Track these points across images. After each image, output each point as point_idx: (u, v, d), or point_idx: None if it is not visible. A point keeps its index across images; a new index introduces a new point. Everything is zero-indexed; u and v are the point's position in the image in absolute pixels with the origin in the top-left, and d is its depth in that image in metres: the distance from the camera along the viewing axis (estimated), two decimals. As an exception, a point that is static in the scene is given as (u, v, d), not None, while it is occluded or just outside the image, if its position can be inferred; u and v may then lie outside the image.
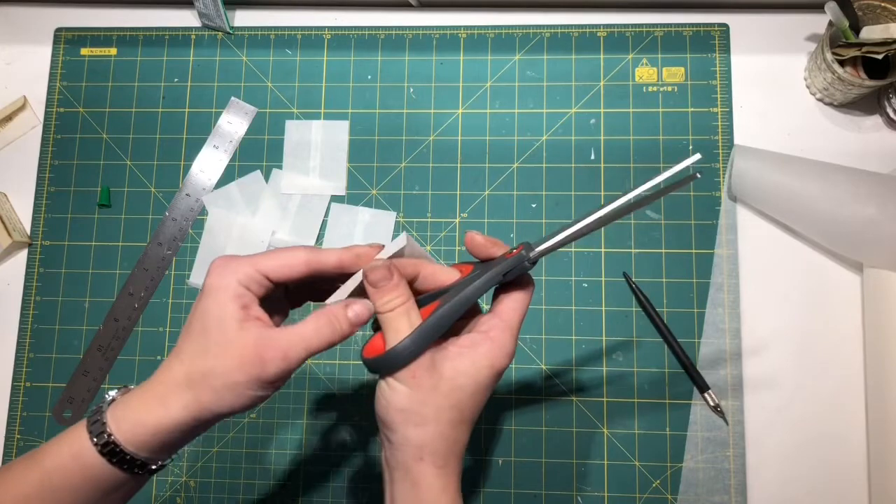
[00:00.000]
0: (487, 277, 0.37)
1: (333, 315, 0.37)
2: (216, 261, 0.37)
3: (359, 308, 0.38)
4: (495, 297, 0.40)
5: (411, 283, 0.39)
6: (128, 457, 0.35)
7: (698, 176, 0.36)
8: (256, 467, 0.61)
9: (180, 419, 0.35)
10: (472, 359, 0.37)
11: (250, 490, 0.61)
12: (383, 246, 0.39)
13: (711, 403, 0.59)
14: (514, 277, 0.38)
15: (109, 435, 0.35)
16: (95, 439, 0.35)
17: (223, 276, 0.36)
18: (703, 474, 0.58)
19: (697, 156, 0.36)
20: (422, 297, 0.39)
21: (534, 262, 0.37)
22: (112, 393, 0.38)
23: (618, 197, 0.36)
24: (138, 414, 0.35)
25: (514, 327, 0.38)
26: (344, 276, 0.39)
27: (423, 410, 0.36)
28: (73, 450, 0.35)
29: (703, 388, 0.59)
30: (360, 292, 0.39)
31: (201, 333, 0.36)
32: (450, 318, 0.37)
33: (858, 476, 0.58)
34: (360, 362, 0.41)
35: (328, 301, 0.40)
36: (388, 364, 0.36)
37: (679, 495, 0.58)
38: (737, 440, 0.59)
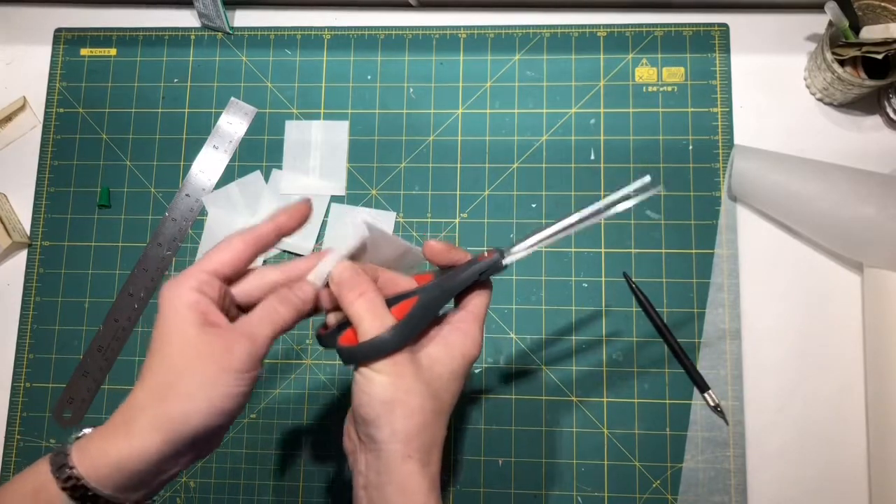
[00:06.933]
0: (467, 275, 0.39)
1: (283, 293, 0.37)
2: (165, 283, 0.36)
3: (304, 286, 0.38)
4: (459, 297, 0.41)
5: None
6: (90, 493, 0.32)
7: (660, 191, 0.43)
8: (256, 467, 0.61)
9: (148, 446, 0.32)
10: (446, 348, 0.38)
11: (250, 490, 0.61)
12: (310, 199, 0.40)
13: (711, 403, 0.59)
14: (486, 278, 0.40)
15: (71, 468, 0.32)
16: (57, 473, 0.32)
17: (173, 289, 0.35)
18: (704, 474, 0.58)
19: (647, 178, 0.39)
20: (386, 299, 0.39)
21: (506, 266, 0.40)
22: (87, 430, 0.35)
23: (590, 204, 0.39)
24: (102, 444, 0.33)
25: (481, 319, 0.40)
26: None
27: (410, 400, 0.35)
28: (36, 485, 0.33)
29: (703, 388, 0.59)
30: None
31: (162, 348, 0.34)
32: (434, 308, 0.38)
33: (859, 476, 0.58)
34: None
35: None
36: (369, 352, 0.35)
37: (679, 495, 0.58)
38: (737, 440, 0.59)
